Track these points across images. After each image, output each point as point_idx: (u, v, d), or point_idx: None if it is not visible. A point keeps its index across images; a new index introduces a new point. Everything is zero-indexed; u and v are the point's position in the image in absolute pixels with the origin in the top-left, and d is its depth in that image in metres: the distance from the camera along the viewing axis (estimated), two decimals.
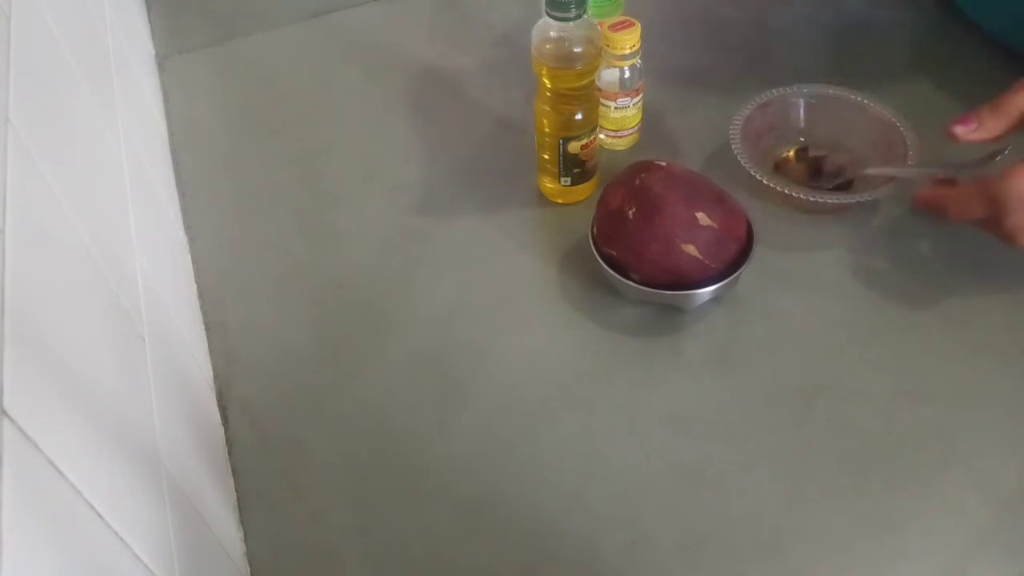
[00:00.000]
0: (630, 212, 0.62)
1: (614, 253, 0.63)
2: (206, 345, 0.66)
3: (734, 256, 0.62)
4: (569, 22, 0.62)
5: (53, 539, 0.30)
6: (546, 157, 0.72)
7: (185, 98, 0.89)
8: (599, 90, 0.73)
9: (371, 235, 0.73)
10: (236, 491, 0.58)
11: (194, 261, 0.72)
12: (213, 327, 0.67)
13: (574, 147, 0.69)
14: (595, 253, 0.65)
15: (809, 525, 0.54)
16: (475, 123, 0.83)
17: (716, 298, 0.64)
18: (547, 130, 0.69)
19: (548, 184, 0.74)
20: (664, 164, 0.64)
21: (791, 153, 0.75)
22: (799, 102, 0.76)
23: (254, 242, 0.74)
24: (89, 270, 0.44)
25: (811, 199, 0.68)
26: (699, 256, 0.61)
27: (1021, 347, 0.61)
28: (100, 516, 0.34)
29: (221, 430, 0.61)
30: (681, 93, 0.84)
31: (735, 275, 0.62)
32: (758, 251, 0.63)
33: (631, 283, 0.62)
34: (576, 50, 0.64)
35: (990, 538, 0.52)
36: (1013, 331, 0.62)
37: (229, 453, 0.60)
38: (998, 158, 0.63)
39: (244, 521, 0.56)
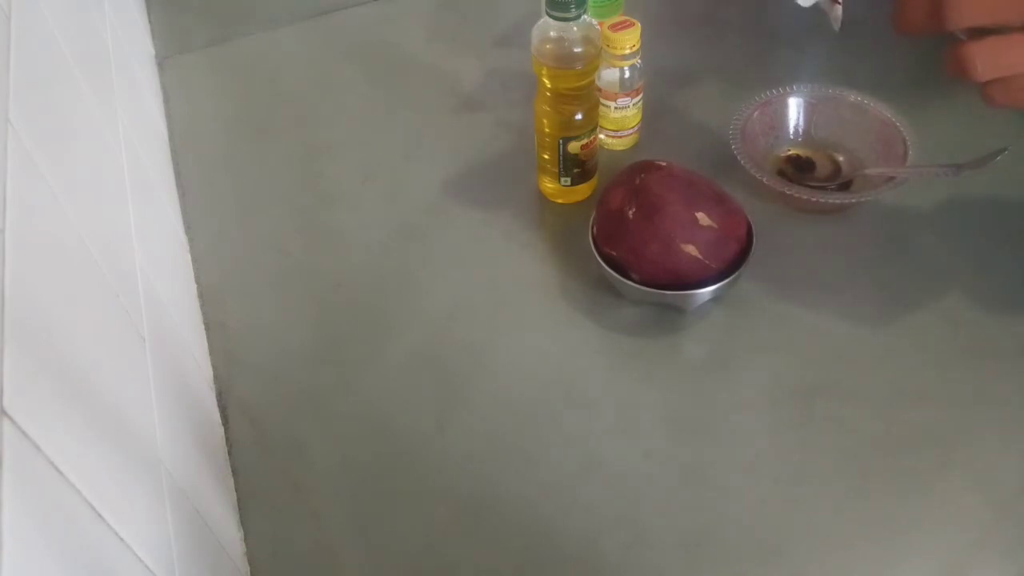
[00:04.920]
0: (630, 212, 0.62)
1: (614, 253, 0.63)
2: (206, 345, 0.66)
3: (734, 256, 0.62)
4: (569, 22, 0.62)
5: (53, 539, 0.30)
6: (546, 157, 0.72)
7: (185, 98, 0.89)
8: (599, 90, 0.73)
9: (371, 235, 0.73)
10: (236, 491, 0.58)
11: (194, 261, 0.72)
12: (213, 327, 0.67)
13: (574, 147, 0.69)
14: (595, 253, 0.65)
15: (809, 526, 0.54)
16: (475, 123, 0.83)
17: (716, 298, 0.64)
18: (547, 130, 0.69)
19: (548, 184, 0.74)
20: (664, 164, 0.64)
21: (788, 156, 0.75)
22: (799, 102, 0.76)
23: (254, 242, 0.74)
24: (89, 270, 0.44)
25: (811, 199, 0.68)
26: (699, 256, 0.61)
27: (1021, 347, 0.61)
28: (100, 516, 0.34)
29: (221, 430, 0.61)
30: (681, 93, 0.84)
31: (735, 275, 0.62)
32: (758, 251, 0.63)
33: (631, 283, 0.62)
34: (576, 50, 0.64)
35: (990, 538, 0.52)
36: (1013, 331, 0.62)
37: (229, 453, 0.60)
38: (998, 158, 0.64)
39: (244, 521, 0.56)
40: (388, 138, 0.82)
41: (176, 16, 1.00)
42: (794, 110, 0.76)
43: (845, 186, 0.72)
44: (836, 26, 0.76)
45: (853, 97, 0.74)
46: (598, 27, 0.66)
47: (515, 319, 0.66)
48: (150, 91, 0.84)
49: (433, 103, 0.86)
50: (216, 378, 0.64)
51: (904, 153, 0.69)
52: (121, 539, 0.35)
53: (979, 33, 0.48)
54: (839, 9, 0.76)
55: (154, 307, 0.54)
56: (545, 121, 0.69)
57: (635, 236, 0.62)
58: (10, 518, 0.27)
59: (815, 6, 0.77)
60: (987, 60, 0.47)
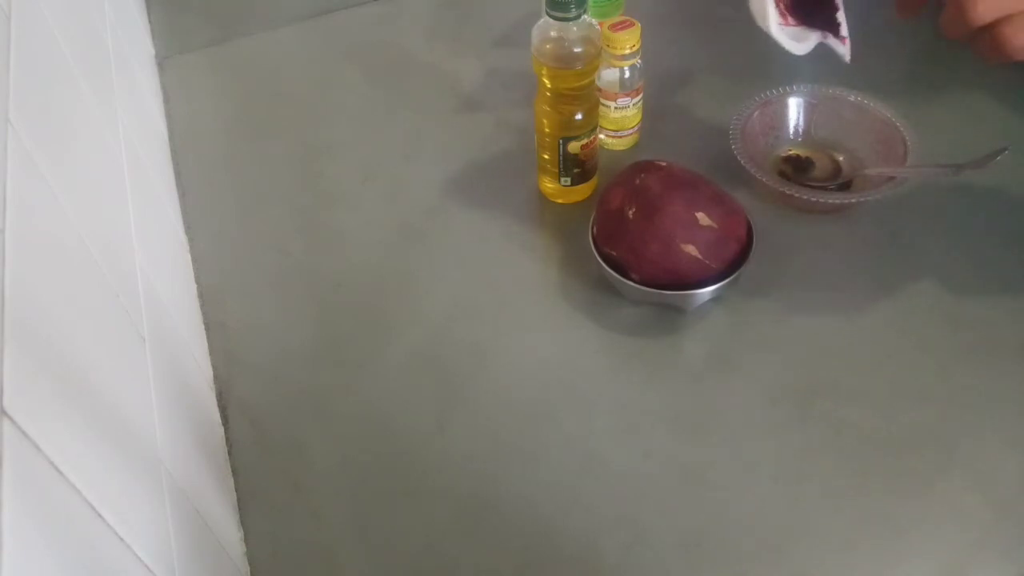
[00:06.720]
0: (630, 212, 0.62)
1: (614, 253, 0.63)
2: (206, 345, 0.66)
3: (734, 256, 0.62)
4: (569, 22, 0.62)
5: (53, 539, 0.30)
6: (546, 157, 0.72)
7: (185, 98, 0.89)
8: (599, 90, 0.73)
9: (371, 235, 0.73)
10: (236, 491, 0.58)
11: (194, 261, 0.72)
12: (213, 327, 0.67)
13: (574, 147, 0.69)
14: (595, 253, 0.65)
15: (809, 525, 0.54)
16: (475, 123, 0.83)
17: (716, 298, 0.64)
18: (547, 130, 0.69)
19: (548, 184, 0.74)
20: (664, 164, 0.64)
21: (788, 156, 0.75)
22: (799, 102, 0.76)
23: (254, 242, 0.74)
24: (89, 270, 0.44)
25: (811, 199, 0.68)
26: (699, 256, 0.61)
27: (1021, 346, 0.61)
28: (100, 516, 0.34)
29: (221, 430, 0.61)
30: (681, 93, 0.84)
31: (735, 275, 0.62)
32: (758, 251, 0.63)
33: (631, 283, 0.62)
34: (576, 50, 0.64)
35: (990, 538, 0.52)
36: (1013, 331, 0.62)
37: (229, 453, 0.60)
38: (998, 157, 0.64)
39: (244, 521, 0.56)
40: (388, 138, 0.82)
41: (176, 16, 1.00)
42: (794, 110, 0.76)
43: (845, 186, 0.72)
44: (847, 58, 0.77)
45: (853, 97, 0.74)
46: (598, 27, 0.66)
47: (515, 319, 0.66)
48: (150, 91, 0.84)
49: (433, 103, 0.86)
50: (216, 378, 0.64)
51: (904, 153, 0.69)
52: (121, 539, 0.35)
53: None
54: (847, 46, 0.76)
55: (154, 307, 0.54)
56: (545, 121, 0.69)
57: (635, 236, 0.62)
58: (10, 518, 0.27)
59: (821, 44, 0.77)
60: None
